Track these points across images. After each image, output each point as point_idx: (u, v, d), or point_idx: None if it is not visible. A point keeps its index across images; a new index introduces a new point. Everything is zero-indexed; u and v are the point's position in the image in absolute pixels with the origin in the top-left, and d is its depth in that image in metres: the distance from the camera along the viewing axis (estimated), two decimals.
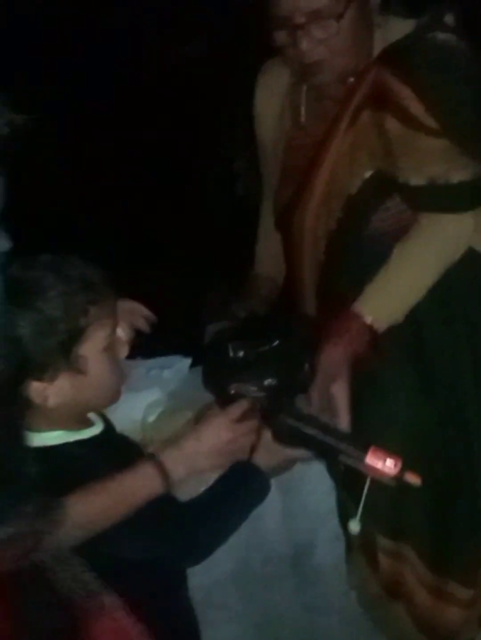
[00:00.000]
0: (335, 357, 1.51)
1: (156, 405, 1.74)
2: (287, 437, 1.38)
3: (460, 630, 1.77)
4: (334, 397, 1.48)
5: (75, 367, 1.26)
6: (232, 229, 2.07)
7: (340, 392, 1.49)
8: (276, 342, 1.65)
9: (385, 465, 1.31)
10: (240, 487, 1.34)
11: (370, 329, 1.54)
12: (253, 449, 1.35)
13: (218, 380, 1.68)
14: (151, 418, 1.55)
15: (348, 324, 1.54)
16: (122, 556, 1.27)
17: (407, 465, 1.33)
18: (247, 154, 1.89)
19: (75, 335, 1.25)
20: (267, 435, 1.37)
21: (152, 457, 1.30)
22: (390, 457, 1.32)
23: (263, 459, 1.35)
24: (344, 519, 1.80)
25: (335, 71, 1.55)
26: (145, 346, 1.60)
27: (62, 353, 1.25)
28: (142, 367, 1.85)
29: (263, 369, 1.66)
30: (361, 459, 1.33)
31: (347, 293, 1.62)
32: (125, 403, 1.44)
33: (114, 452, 1.36)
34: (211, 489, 1.34)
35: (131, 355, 1.44)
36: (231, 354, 1.65)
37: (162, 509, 1.29)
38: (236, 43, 1.91)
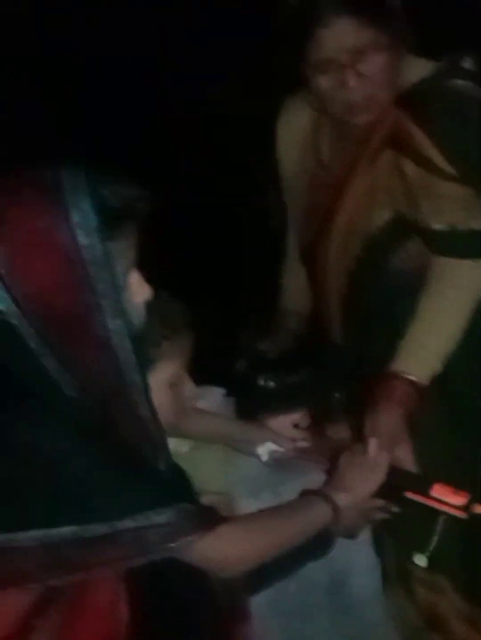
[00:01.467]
0: (392, 422, 1.52)
1: None
2: None
3: None
4: (400, 461, 1.49)
5: None
6: (265, 262, 2.09)
7: (406, 456, 1.51)
8: (305, 373, 1.68)
9: (453, 498, 1.32)
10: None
11: (416, 385, 1.54)
12: None
13: (250, 410, 1.72)
14: (183, 449, 1.58)
15: (394, 385, 1.54)
16: None
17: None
18: (278, 187, 1.91)
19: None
20: None
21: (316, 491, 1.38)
22: (457, 491, 1.34)
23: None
24: (380, 548, 1.80)
25: (378, 108, 1.54)
26: None
27: None
28: None
29: (293, 399, 1.68)
30: (428, 494, 1.34)
31: (372, 326, 1.64)
32: None
33: None
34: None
35: None
36: (262, 384, 1.68)
37: None
38: (265, 76, 1.94)
